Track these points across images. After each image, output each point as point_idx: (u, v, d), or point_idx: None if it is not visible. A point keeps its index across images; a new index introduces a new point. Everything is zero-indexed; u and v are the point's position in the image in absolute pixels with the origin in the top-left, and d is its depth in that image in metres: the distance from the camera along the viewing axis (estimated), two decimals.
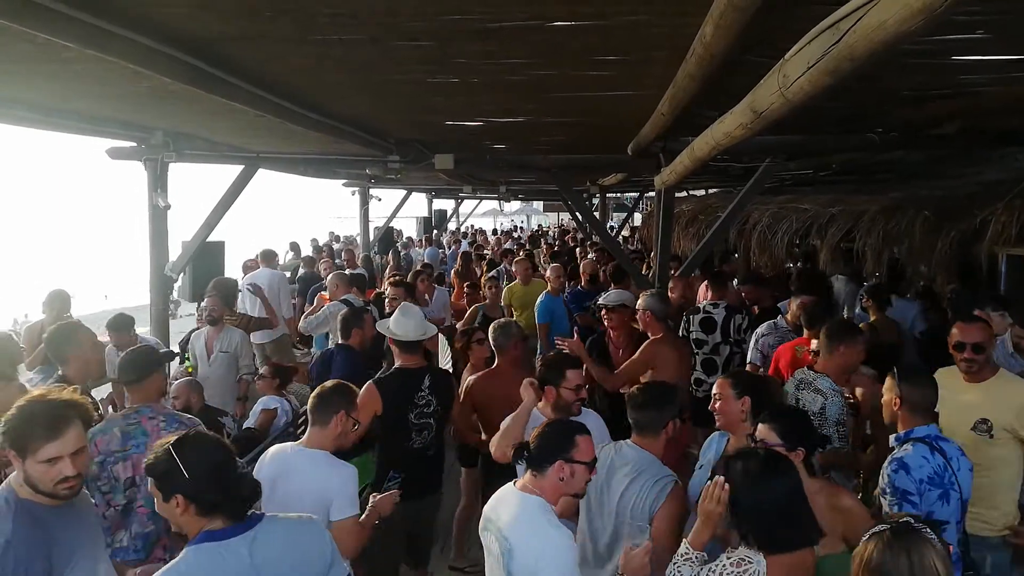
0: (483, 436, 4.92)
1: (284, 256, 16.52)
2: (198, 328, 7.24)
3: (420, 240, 21.15)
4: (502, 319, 6.30)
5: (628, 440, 3.55)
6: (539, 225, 40.29)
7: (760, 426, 3.21)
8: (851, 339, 4.37)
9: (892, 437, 3.54)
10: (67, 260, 42.61)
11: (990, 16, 3.17)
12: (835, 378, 4.33)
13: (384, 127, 7.03)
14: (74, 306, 7.31)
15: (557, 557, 2.72)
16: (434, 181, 15.40)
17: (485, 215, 41.71)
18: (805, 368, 4.57)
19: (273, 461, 3.53)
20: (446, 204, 25.74)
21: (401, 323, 4.72)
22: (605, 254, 11.03)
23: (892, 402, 3.54)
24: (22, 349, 6.84)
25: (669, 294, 6.91)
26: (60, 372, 4.27)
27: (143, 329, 6.68)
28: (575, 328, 8.07)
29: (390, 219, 17.70)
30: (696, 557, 2.71)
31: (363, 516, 3.54)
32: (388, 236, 17.30)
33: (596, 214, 18.97)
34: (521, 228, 37.29)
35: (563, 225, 35.16)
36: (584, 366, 4.61)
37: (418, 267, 10.70)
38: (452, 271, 13.25)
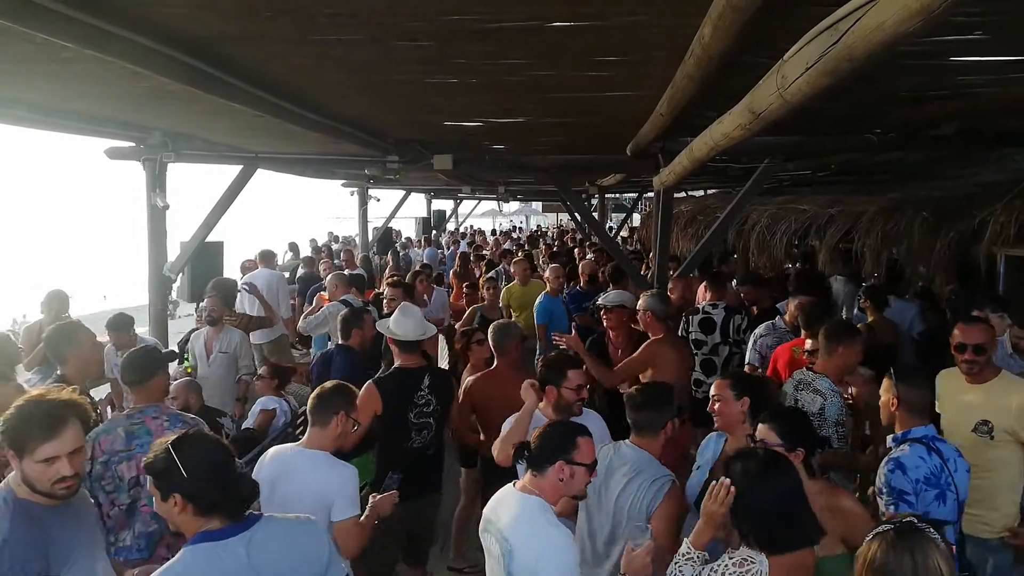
0: (482, 437, 4.93)
1: (283, 256, 16.52)
2: (198, 328, 7.24)
3: (419, 240, 21.14)
4: (502, 320, 6.30)
5: (627, 440, 3.56)
6: (538, 225, 40.29)
7: (760, 426, 3.22)
8: (850, 340, 4.38)
9: (889, 437, 3.55)
10: (66, 260, 42.59)
11: (988, 17, 3.17)
12: (834, 378, 4.33)
13: (383, 127, 7.03)
14: (73, 306, 7.31)
15: (557, 557, 2.72)
16: (433, 181, 15.39)
17: (484, 215, 41.70)
18: (804, 368, 4.57)
19: (273, 462, 3.53)
20: (445, 204, 25.74)
21: (401, 323, 4.73)
22: (604, 254, 11.03)
23: (889, 403, 3.54)
24: (20, 349, 6.84)
25: (668, 295, 6.91)
26: (59, 372, 4.27)
27: (142, 329, 6.68)
28: (574, 328, 8.07)
29: (389, 219, 17.69)
30: (697, 557, 2.72)
31: (363, 516, 3.54)
32: (387, 236, 17.29)
33: (595, 214, 18.99)
34: (520, 228, 37.28)
35: (562, 225, 35.15)
36: (584, 365, 4.62)
37: (417, 267, 10.69)
38: (451, 272, 13.25)
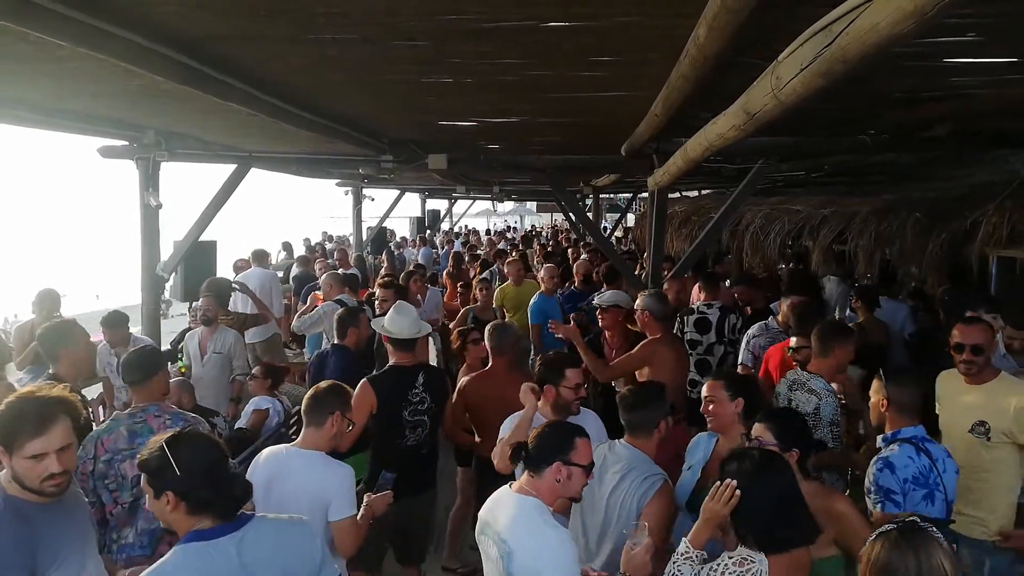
0: (477, 438, 4.93)
1: (277, 256, 16.49)
2: (191, 328, 7.22)
3: (414, 240, 21.13)
4: (499, 320, 6.30)
5: (622, 439, 3.57)
6: (532, 225, 40.31)
7: (756, 425, 3.23)
8: (844, 340, 4.41)
9: (879, 438, 3.57)
10: (58, 260, 42.41)
11: (981, 19, 3.18)
12: (828, 379, 4.35)
13: (378, 127, 7.02)
14: (66, 306, 7.29)
15: (556, 557, 2.72)
16: (427, 181, 15.39)
17: (478, 215, 41.73)
18: (798, 369, 4.58)
19: (268, 462, 3.52)
20: (439, 204, 25.73)
21: (396, 321, 4.74)
22: (599, 255, 11.03)
23: (879, 403, 3.57)
24: (11, 349, 6.81)
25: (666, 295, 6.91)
26: (51, 371, 4.26)
27: (134, 329, 6.66)
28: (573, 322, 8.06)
29: (383, 219, 17.67)
30: (696, 556, 2.72)
31: (359, 515, 3.54)
32: (381, 236, 17.28)
33: (589, 215, 19.00)
34: (514, 228, 37.29)
35: (556, 225, 35.17)
36: (583, 364, 4.61)
37: (411, 267, 10.68)
38: (444, 271, 13.23)
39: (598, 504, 3.38)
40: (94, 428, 4.73)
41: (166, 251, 7.59)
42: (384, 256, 14.62)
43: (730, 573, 2.53)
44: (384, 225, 18.17)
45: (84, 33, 3.19)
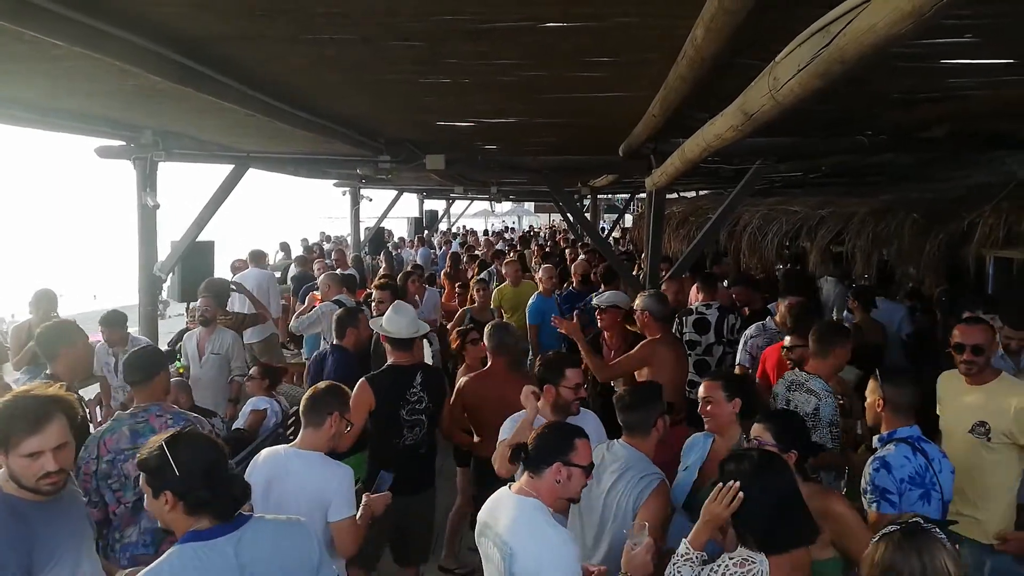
0: (475, 438, 4.93)
1: (274, 256, 16.48)
2: (189, 329, 7.21)
3: (412, 241, 21.11)
4: (498, 320, 6.29)
5: (620, 439, 3.57)
6: (530, 226, 40.31)
7: (755, 426, 3.24)
8: (843, 340, 4.44)
9: (875, 438, 3.59)
10: (56, 260, 42.34)
11: (979, 20, 3.18)
12: (827, 379, 4.36)
13: (376, 127, 7.02)
14: (63, 306, 7.29)
15: (558, 558, 2.73)
16: (425, 181, 15.38)
17: (476, 216, 41.71)
18: (796, 369, 4.59)
19: (266, 463, 3.52)
20: (437, 205, 25.71)
21: (394, 320, 4.76)
22: (596, 255, 11.04)
23: (875, 403, 3.58)
24: (7, 349, 6.81)
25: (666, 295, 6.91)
26: (48, 372, 4.26)
27: (132, 329, 6.66)
28: (575, 316, 8.05)
29: (381, 219, 17.66)
30: (696, 557, 2.72)
31: (358, 515, 3.55)
32: (379, 237, 17.27)
33: (587, 215, 18.99)
34: (512, 229, 37.28)
35: (554, 226, 35.16)
36: (583, 364, 4.61)
37: (408, 268, 10.67)
38: (442, 272, 13.23)
39: (595, 503, 3.39)
40: (91, 428, 4.75)
41: (163, 251, 7.58)
42: (382, 257, 14.60)
43: (731, 574, 2.53)
44: (382, 226, 18.17)
45: (80, 33, 3.18)
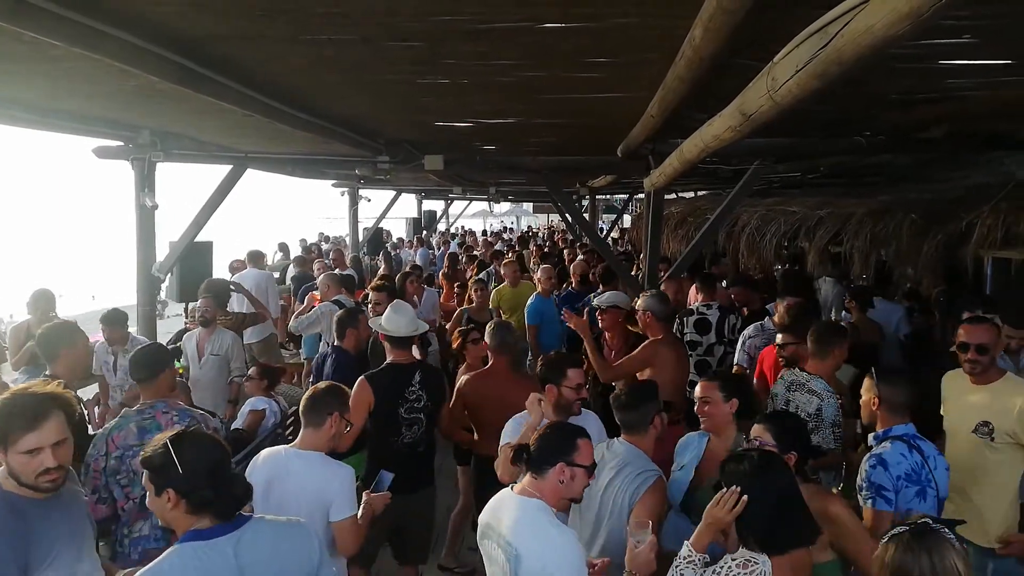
0: (475, 436, 4.94)
1: (273, 257, 16.47)
2: (189, 329, 7.21)
3: (410, 241, 21.11)
4: (500, 319, 6.30)
5: (620, 437, 3.59)
6: (529, 226, 40.30)
7: (755, 426, 3.25)
8: (842, 340, 4.47)
9: (871, 436, 3.61)
10: (54, 260, 42.30)
11: (977, 21, 3.19)
12: (827, 379, 4.37)
13: (374, 127, 7.01)
14: (61, 306, 7.28)
15: (563, 558, 2.73)
16: (424, 182, 15.38)
17: (475, 216, 41.73)
18: (796, 369, 4.59)
19: (266, 463, 3.52)
20: (436, 205, 25.70)
21: (393, 319, 4.77)
22: (595, 256, 11.04)
23: (871, 402, 3.59)
24: (5, 349, 6.80)
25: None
26: (48, 372, 4.27)
27: (130, 329, 6.65)
28: (584, 315, 8.03)
29: (379, 220, 17.66)
30: (698, 559, 2.72)
31: (359, 514, 3.55)
32: (377, 237, 17.26)
33: (586, 216, 18.99)
34: (510, 229, 37.26)
35: (552, 226, 35.16)
36: (585, 365, 4.62)
37: (407, 268, 10.67)
38: (440, 272, 13.23)
39: (592, 499, 3.39)
40: (89, 427, 4.75)
41: (162, 252, 7.58)
42: (381, 257, 14.60)
43: (734, 575, 2.53)
44: (380, 226, 18.16)
45: (79, 33, 3.18)
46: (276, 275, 11.80)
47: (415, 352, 4.98)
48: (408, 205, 23.09)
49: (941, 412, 4.11)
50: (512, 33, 3.53)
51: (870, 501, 3.35)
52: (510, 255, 12.27)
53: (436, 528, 5.10)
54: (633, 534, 2.90)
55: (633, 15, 3.19)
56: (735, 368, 6.07)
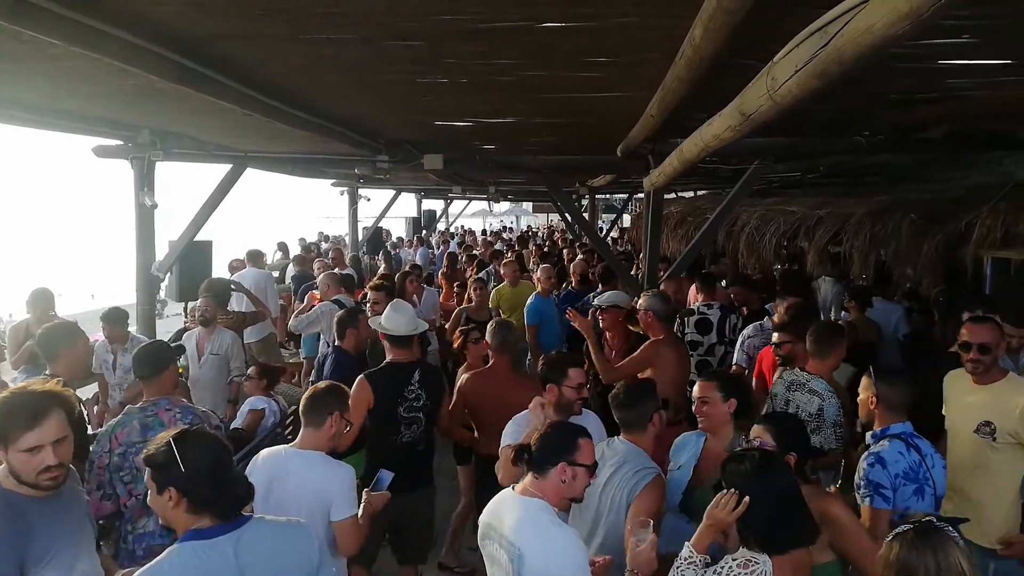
0: (475, 435, 4.94)
1: (272, 256, 16.46)
2: (189, 329, 7.21)
3: (410, 241, 21.10)
4: (502, 319, 6.30)
5: (619, 436, 3.60)
6: (528, 226, 40.29)
7: (755, 427, 3.26)
8: (841, 340, 4.48)
9: (868, 434, 3.62)
10: (54, 259, 42.28)
11: (977, 21, 3.19)
12: (827, 379, 4.37)
13: (374, 127, 7.01)
14: (61, 305, 7.28)
15: (566, 557, 2.73)
16: (423, 181, 15.37)
17: (474, 216, 41.71)
18: (797, 369, 4.59)
19: (266, 463, 3.52)
20: (435, 204, 25.70)
21: (392, 318, 4.78)
22: (595, 255, 11.04)
23: (868, 401, 3.60)
24: (3, 347, 6.80)
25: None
26: (47, 372, 4.27)
27: (130, 328, 6.66)
28: (587, 314, 8.02)
29: (379, 219, 17.65)
30: (699, 560, 2.73)
31: (359, 514, 3.55)
32: (377, 236, 17.25)
33: (585, 215, 18.98)
34: (510, 229, 37.25)
35: (552, 226, 35.15)
36: (585, 365, 4.62)
37: (406, 268, 10.67)
38: (440, 272, 13.23)
39: (591, 497, 3.39)
40: (88, 427, 4.75)
41: (161, 251, 7.57)
42: (381, 256, 14.60)
43: (735, 575, 2.54)
44: (380, 225, 18.15)
45: (78, 32, 3.18)
46: (275, 274, 11.80)
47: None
48: (408, 204, 23.12)
49: (943, 412, 4.11)
50: (512, 33, 3.53)
51: (868, 499, 3.36)
52: (509, 255, 12.26)
53: (436, 527, 5.10)
54: (634, 533, 2.90)
55: (633, 15, 3.19)
56: (734, 368, 6.07)
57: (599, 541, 3.36)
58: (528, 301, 8.06)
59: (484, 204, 33.68)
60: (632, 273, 8.80)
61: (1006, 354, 4.86)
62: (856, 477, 3.47)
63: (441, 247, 20.80)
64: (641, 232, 10.48)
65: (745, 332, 6.17)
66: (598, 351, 5.40)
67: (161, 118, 6.52)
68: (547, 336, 7.88)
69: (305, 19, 3.31)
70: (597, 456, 3.35)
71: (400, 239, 22.59)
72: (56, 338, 4.29)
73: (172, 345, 5.22)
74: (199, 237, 7.73)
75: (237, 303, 8.53)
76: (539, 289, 8.26)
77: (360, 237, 16.00)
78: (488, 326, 5.15)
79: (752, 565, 2.51)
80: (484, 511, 3.08)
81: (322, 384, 3.74)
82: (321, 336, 7.64)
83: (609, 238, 21.46)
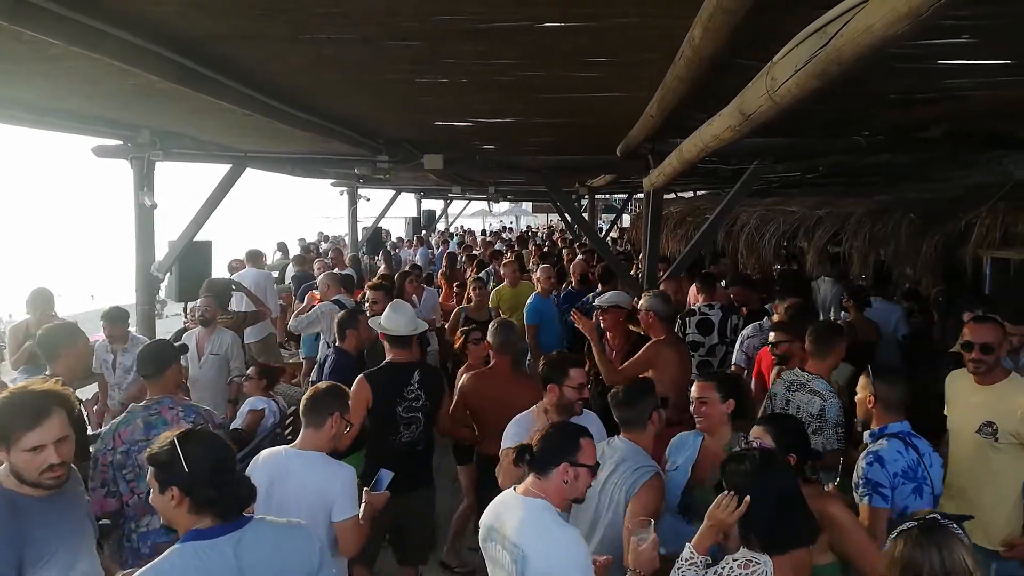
0: (477, 433, 4.94)
1: (272, 256, 16.46)
2: (189, 329, 7.21)
3: (410, 241, 21.10)
4: (504, 319, 6.31)
5: (619, 435, 3.60)
6: (528, 226, 40.29)
7: (755, 428, 3.26)
8: (840, 339, 4.49)
9: (866, 433, 3.63)
10: (53, 260, 42.28)
11: (976, 21, 3.19)
12: (827, 379, 4.37)
13: (374, 127, 7.01)
14: (61, 306, 7.27)
15: (570, 557, 2.74)
16: (423, 181, 15.37)
17: (474, 216, 41.71)
18: (796, 369, 4.60)
19: (267, 464, 3.52)
20: (435, 204, 25.71)
21: (392, 318, 4.78)
22: (594, 255, 11.04)
23: (866, 399, 3.61)
24: (2, 348, 6.79)
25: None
26: (47, 372, 4.28)
27: (130, 328, 6.66)
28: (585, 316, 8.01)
29: (378, 219, 17.64)
30: (700, 561, 2.73)
31: (361, 513, 3.55)
32: (376, 236, 17.25)
33: (585, 215, 18.99)
34: (509, 229, 37.25)
35: (551, 226, 35.15)
36: (587, 365, 4.62)
37: (406, 268, 10.67)
38: (439, 272, 13.24)
39: (591, 496, 3.39)
40: (88, 427, 4.75)
41: (161, 251, 7.57)
42: (382, 256, 14.61)
43: (736, 575, 2.54)
44: (380, 225, 18.15)
45: (78, 32, 3.18)
46: (275, 275, 11.80)
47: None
48: (407, 204, 23.12)
49: (945, 412, 4.11)
50: (512, 33, 3.53)
51: (867, 498, 3.37)
52: (509, 255, 12.26)
53: (436, 527, 5.10)
54: (635, 533, 2.90)
55: (633, 15, 3.20)
56: (733, 368, 6.07)
57: (598, 538, 3.37)
58: (528, 301, 8.06)
59: (484, 204, 33.69)
60: (631, 273, 8.80)
61: (1007, 354, 4.87)
62: (855, 476, 3.48)
63: (440, 247, 20.81)
64: (640, 232, 10.48)
65: (744, 332, 6.17)
66: (602, 354, 5.40)
67: (161, 118, 6.52)
68: (547, 336, 7.88)
69: (305, 19, 3.31)
70: (598, 456, 3.36)
71: (400, 239, 22.59)
72: (56, 338, 4.30)
73: (179, 344, 5.25)
74: (199, 237, 7.73)
75: (237, 303, 8.53)
76: (539, 289, 8.25)
77: (360, 237, 16.00)
78: (490, 326, 5.15)
79: (753, 565, 2.51)
80: (485, 512, 3.08)
81: (323, 385, 3.74)
82: (321, 336, 7.64)
83: (608, 238, 21.46)
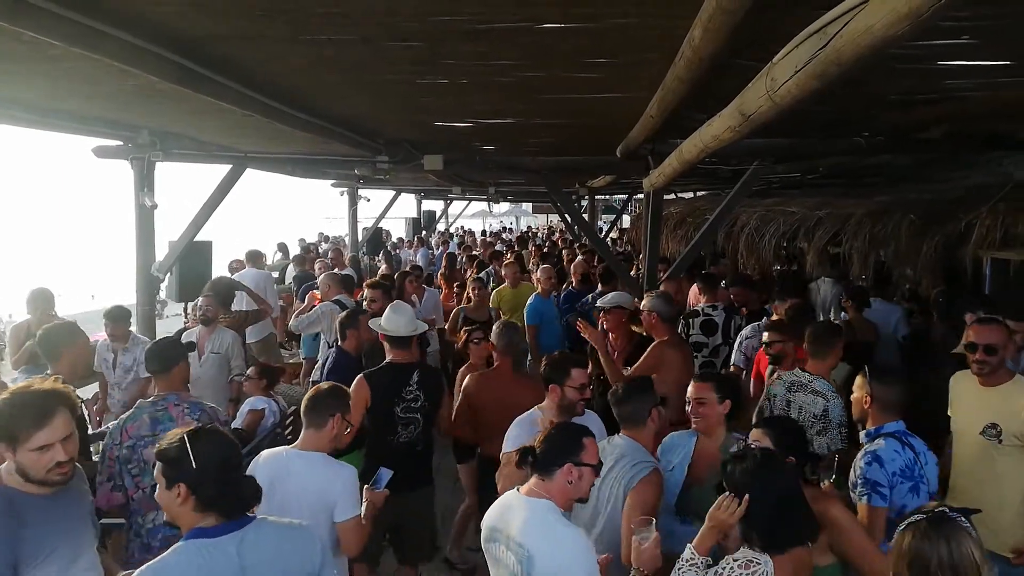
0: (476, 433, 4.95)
1: (272, 257, 16.47)
2: (190, 328, 7.21)
3: (410, 241, 21.10)
4: (507, 320, 6.30)
5: (620, 432, 3.61)
6: (528, 226, 40.29)
7: (754, 430, 3.28)
8: (839, 339, 4.51)
9: (863, 433, 3.63)
10: (54, 260, 42.28)
11: (976, 22, 3.19)
12: (827, 379, 4.38)
13: (374, 127, 7.02)
14: (61, 306, 7.27)
15: (575, 556, 2.74)
16: (423, 182, 15.37)
17: (474, 216, 41.70)
18: (797, 370, 4.59)
19: (268, 464, 3.52)
20: (435, 205, 25.70)
21: (392, 319, 4.79)
22: (594, 256, 11.04)
23: (863, 399, 3.61)
24: (2, 347, 6.80)
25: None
26: (48, 372, 4.29)
27: (131, 328, 6.66)
28: (588, 320, 8.00)
29: (379, 220, 17.65)
30: (701, 562, 2.73)
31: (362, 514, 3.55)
32: (377, 237, 17.26)
33: (585, 216, 18.99)
34: (509, 230, 37.24)
35: (551, 226, 35.14)
36: (588, 366, 4.62)
37: (406, 268, 10.67)
38: (439, 272, 13.25)
39: (591, 493, 3.41)
40: (88, 427, 4.76)
41: (161, 251, 7.58)
42: (382, 257, 14.61)
43: (736, 575, 2.54)
44: (380, 226, 18.16)
45: (78, 33, 3.18)
46: (275, 275, 11.80)
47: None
48: (407, 205, 23.11)
49: (948, 413, 4.10)
50: (511, 33, 3.53)
51: (865, 497, 3.37)
52: (509, 255, 12.26)
53: (436, 527, 5.10)
54: (637, 532, 2.91)
55: (633, 15, 3.20)
56: (731, 368, 6.06)
57: (597, 533, 3.38)
58: (528, 302, 8.06)
59: (484, 205, 33.65)
60: (631, 274, 8.79)
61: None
62: (852, 475, 3.48)
63: (440, 248, 20.81)
64: (641, 233, 10.48)
65: (743, 333, 6.17)
66: (609, 360, 5.39)
67: (161, 119, 6.52)
68: (547, 337, 7.88)
69: (305, 20, 3.32)
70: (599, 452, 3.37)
71: (400, 240, 22.59)
72: (57, 338, 4.32)
73: (187, 343, 5.26)
74: (199, 237, 7.72)
75: (238, 302, 8.53)
76: (539, 290, 8.25)
77: (360, 237, 16.01)
78: (494, 328, 5.16)
79: (754, 565, 2.52)
80: (487, 513, 3.07)
81: (324, 385, 3.74)
82: (321, 336, 7.64)
83: (609, 239, 21.46)
